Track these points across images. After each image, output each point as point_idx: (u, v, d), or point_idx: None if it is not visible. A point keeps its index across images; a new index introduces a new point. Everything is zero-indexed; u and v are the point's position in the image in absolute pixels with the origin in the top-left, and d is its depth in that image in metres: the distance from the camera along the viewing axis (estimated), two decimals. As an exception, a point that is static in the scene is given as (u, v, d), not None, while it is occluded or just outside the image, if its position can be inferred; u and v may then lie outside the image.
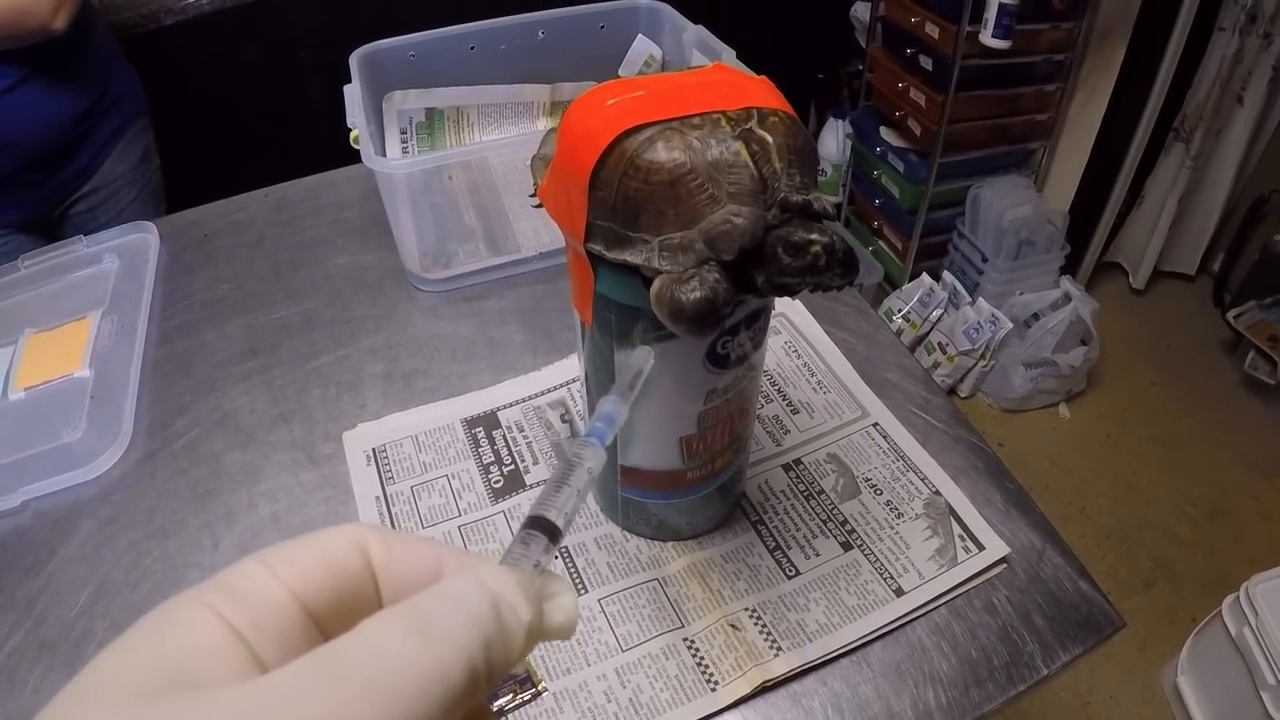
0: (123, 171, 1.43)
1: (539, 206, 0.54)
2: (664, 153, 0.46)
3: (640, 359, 0.43)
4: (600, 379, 0.60)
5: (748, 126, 0.47)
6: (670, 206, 0.46)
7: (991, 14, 1.93)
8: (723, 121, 0.47)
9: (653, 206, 0.46)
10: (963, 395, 2.49)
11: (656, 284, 0.46)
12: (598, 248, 0.49)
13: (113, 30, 1.66)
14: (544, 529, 0.32)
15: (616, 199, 0.47)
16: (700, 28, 1.08)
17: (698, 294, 0.44)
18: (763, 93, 0.50)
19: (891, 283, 2.61)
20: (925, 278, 2.47)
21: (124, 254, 1.05)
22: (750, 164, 0.46)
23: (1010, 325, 2.31)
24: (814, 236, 0.45)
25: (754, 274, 0.47)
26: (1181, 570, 2.09)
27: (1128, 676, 1.88)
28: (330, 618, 0.27)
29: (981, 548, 0.72)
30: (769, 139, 0.47)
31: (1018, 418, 2.45)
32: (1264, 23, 2.23)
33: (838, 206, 2.81)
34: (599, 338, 0.57)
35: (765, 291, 0.48)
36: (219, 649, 0.24)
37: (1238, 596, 1.63)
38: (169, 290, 1.01)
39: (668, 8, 1.14)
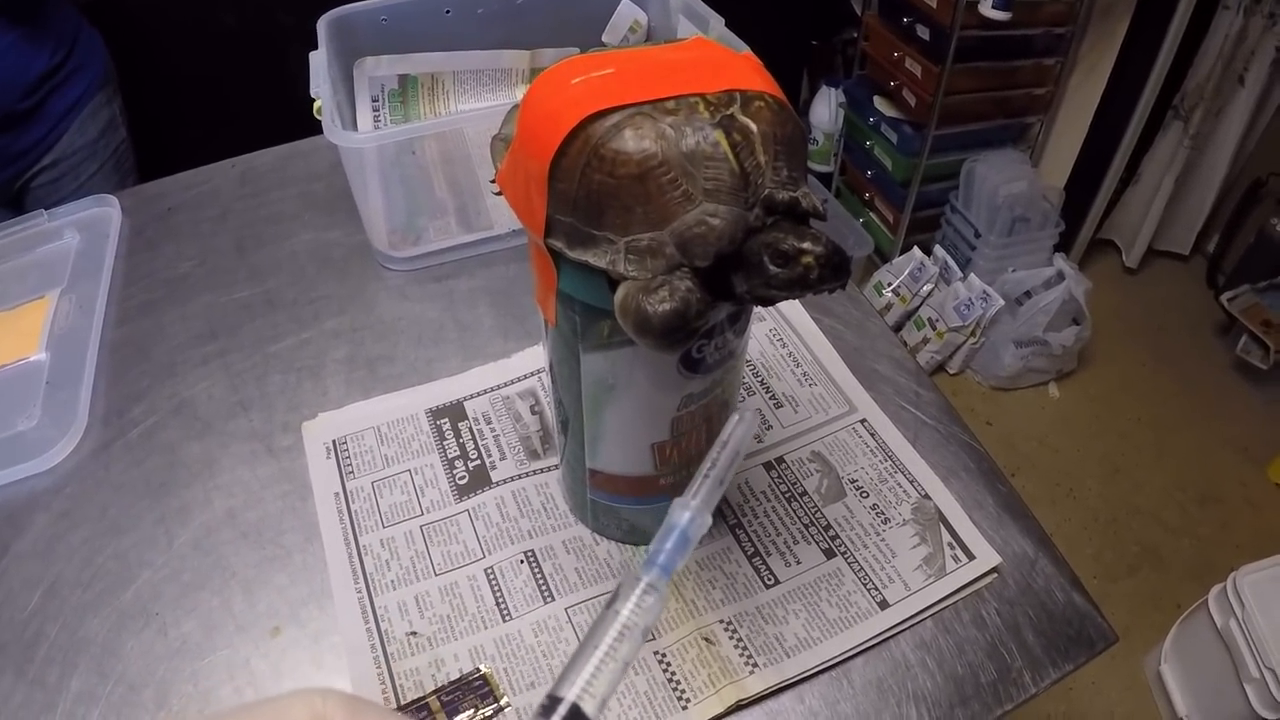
0: (85, 143, 1.37)
1: (499, 194, 0.49)
2: (632, 142, 0.41)
3: (740, 435, 0.36)
4: (566, 376, 0.56)
5: (729, 112, 0.42)
6: (639, 203, 0.41)
7: (992, -16, 1.88)
8: (700, 106, 0.42)
9: (619, 203, 0.41)
10: (951, 372, 2.45)
11: (621, 292, 0.41)
12: (559, 245, 0.44)
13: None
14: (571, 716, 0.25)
15: (579, 193, 0.42)
16: (689, -8, 1.03)
17: (667, 306, 0.40)
18: (747, 72, 0.45)
19: (882, 256, 2.57)
20: (916, 251, 2.43)
21: (84, 229, 1.01)
22: (730, 156, 0.41)
23: (1002, 302, 2.27)
24: (806, 245, 0.40)
25: (734, 280, 0.43)
26: (1168, 556, 2.07)
27: (1111, 662, 1.86)
28: None
29: (971, 557, 0.68)
30: (753, 127, 0.42)
31: (1007, 396, 2.42)
32: (1269, 2, 2.17)
33: (828, 176, 2.76)
34: (565, 336, 0.52)
35: (745, 301, 0.43)
36: None
37: (1225, 587, 1.61)
38: (130, 267, 0.96)
39: (654, -29, 1.09)
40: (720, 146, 0.41)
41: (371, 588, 0.66)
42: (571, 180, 0.42)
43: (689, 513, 0.33)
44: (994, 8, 1.90)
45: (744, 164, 0.41)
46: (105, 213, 1.03)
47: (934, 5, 2.07)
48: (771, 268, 0.41)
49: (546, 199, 0.43)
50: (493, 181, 0.50)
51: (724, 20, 0.97)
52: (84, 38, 1.38)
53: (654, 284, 0.40)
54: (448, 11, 1.05)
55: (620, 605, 0.29)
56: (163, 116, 1.68)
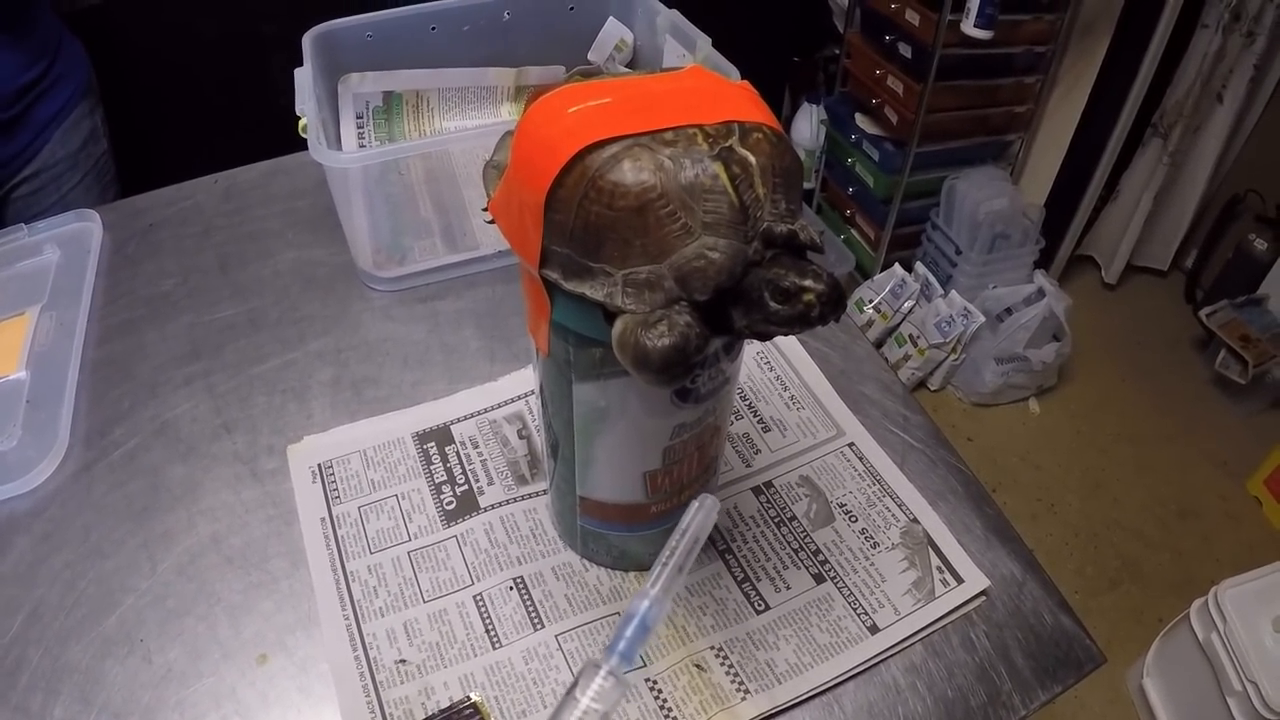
0: (66, 154, 1.35)
1: (491, 222, 0.49)
2: (631, 174, 0.40)
3: (699, 523, 0.36)
4: (557, 404, 0.55)
5: (727, 145, 0.42)
6: (637, 236, 0.40)
7: (974, 3, 1.88)
8: (699, 138, 0.42)
9: (617, 235, 0.41)
10: (932, 389, 2.46)
11: (619, 325, 0.41)
12: (554, 276, 0.43)
13: (60, 1, 1.58)
14: None
15: (576, 224, 0.41)
16: (674, 12, 1.03)
17: (666, 341, 0.39)
18: (745, 103, 0.45)
19: (863, 272, 2.58)
20: (897, 268, 2.44)
21: (65, 244, 0.99)
22: (730, 189, 0.41)
23: (982, 319, 2.29)
24: (808, 282, 0.40)
25: (733, 316, 0.42)
26: (1148, 570, 2.08)
27: (1093, 677, 1.85)
28: None
29: (960, 580, 0.68)
30: (751, 159, 0.42)
31: (987, 412, 2.43)
32: (1247, 21, 2.20)
33: (809, 193, 2.76)
34: (557, 365, 0.52)
35: (743, 336, 0.43)
36: None
37: (1206, 601, 1.62)
38: (111, 284, 0.95)
39: (641, -10, 1.09)
40: (719, 179, 0.41)
41: (359, 615, 0.65)
42: (568, 211, 0.42)
43: (648, 601, 0.33)
44: (976, 26, 1.91)
45: (743, 197, 0.41)
46: (86, 228, 1.01)
47: (916, 23, 2.08)
48: (772, 304, 0.41)
49: (542, 230, 0.43)
50: (485, 210, 0.49)
51: (710, 41, 0.97)
52: (66, 47, 1.36)
53: (653, 318, 0.40)
54: (433, 28, 1.05)
55: (580, 693, 0.29)
56: (144, 128, 1.67)
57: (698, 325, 0.40)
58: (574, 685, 0.30)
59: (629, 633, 0.32)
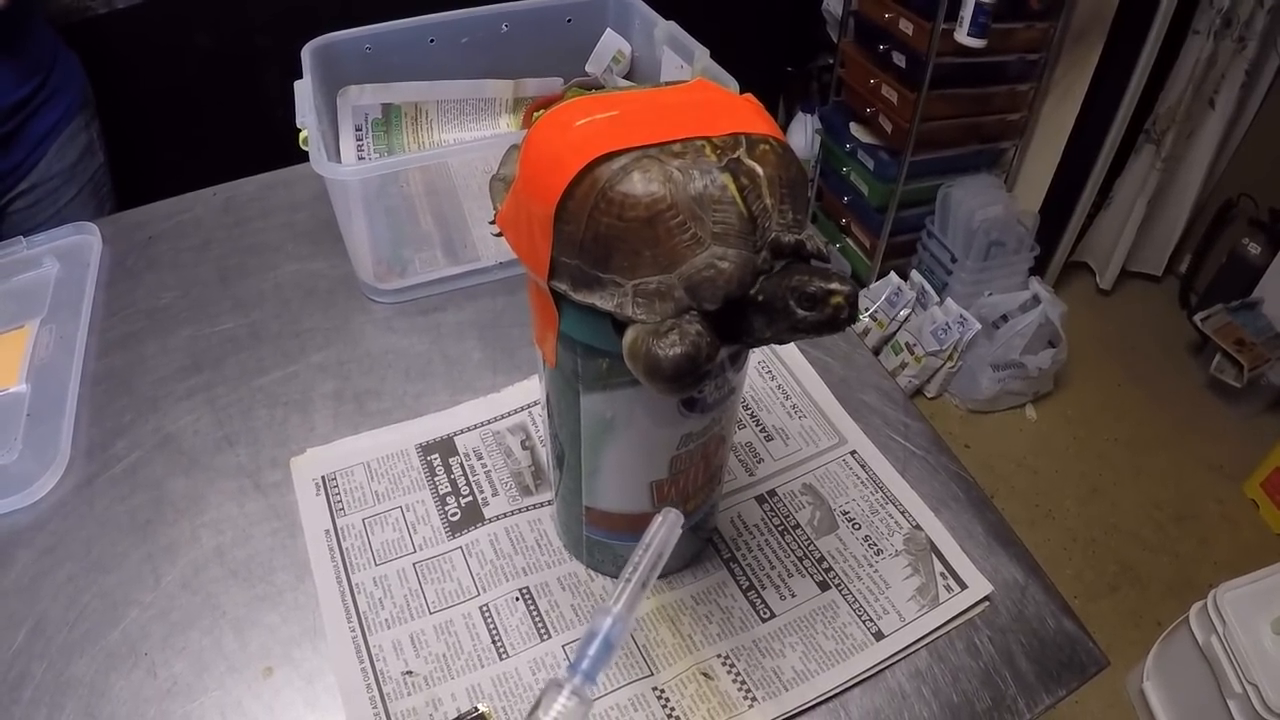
0: (62, 168, 1.35)
1: (499, 235, 0.49)
2: (641, 185, 0.41)
3: (662, 538, 0.36)
4: (564, 414, 0.55)
5: (735, 156, 0.42)
6: (647, 247, 0.41)
7: (968, 12, 1.89)
8: (707, 149, 0.42)
9: (627, 246, 0.41)
10: (929, 396, 2.46)
11: (630, 335, 0.41)
12: (563, 287, 0.44)
13: (56, 15, 1.58)
14: None
15: (585, 235, 0.42)
16: (672, 24, 1.04)
17: (678, 350, 0.40)
18: (750, 115, 0.46)
19: (859, 281, 2.58)
20: (893, 276, 2.44)
21: (64, 257, 0.99)
22: (738, 200, 0.41)
23: (979, 326, 2.29)
24: (834, 286, 0.40)
25: (755, 324, 0.43)
26: (1146, 574, 2.09)
27: (1093, 681, 1.86)
28: None
29: (964, 586, 0.69)
30: (759, 171, 0.42)
31: (984, 419, 2.43)
32: (1238, 27, 2.22)
33: (805, 202, 2.77)
34: (564, 375, 0.52)
35: (761, 344, 0.43)
36: None
37: (1205, 604, 1.62)
38: (111, 297, 0.95)
39: (638, 1, 1.09)
40: (728, 190, 0.41)
41: (365, 627, 0.65)
42: (578, 223, 0.42)
43: (610, 619, 0.33)
44: (969, 34, 1.92)
45: (751, 207, 0.42)
46: (85, 241, 1.01)
47: (910, 32, 2.09)
48: (799, 311, 0.41)
49: (551, 241, 0.43)
50: (492, 223, 0.50)
51: (709, 52, 0.97)
52: (62, 61, 1.36)
53: (663, 328, 0.40)
54: (432, 40, 1.05)
55: (543, 713, 0.29)
56: (139, 141, 1.67)
57: (708, 334, 0.41)
58: (536, 705, 0.30)
59: (592, 651, 0.32)
